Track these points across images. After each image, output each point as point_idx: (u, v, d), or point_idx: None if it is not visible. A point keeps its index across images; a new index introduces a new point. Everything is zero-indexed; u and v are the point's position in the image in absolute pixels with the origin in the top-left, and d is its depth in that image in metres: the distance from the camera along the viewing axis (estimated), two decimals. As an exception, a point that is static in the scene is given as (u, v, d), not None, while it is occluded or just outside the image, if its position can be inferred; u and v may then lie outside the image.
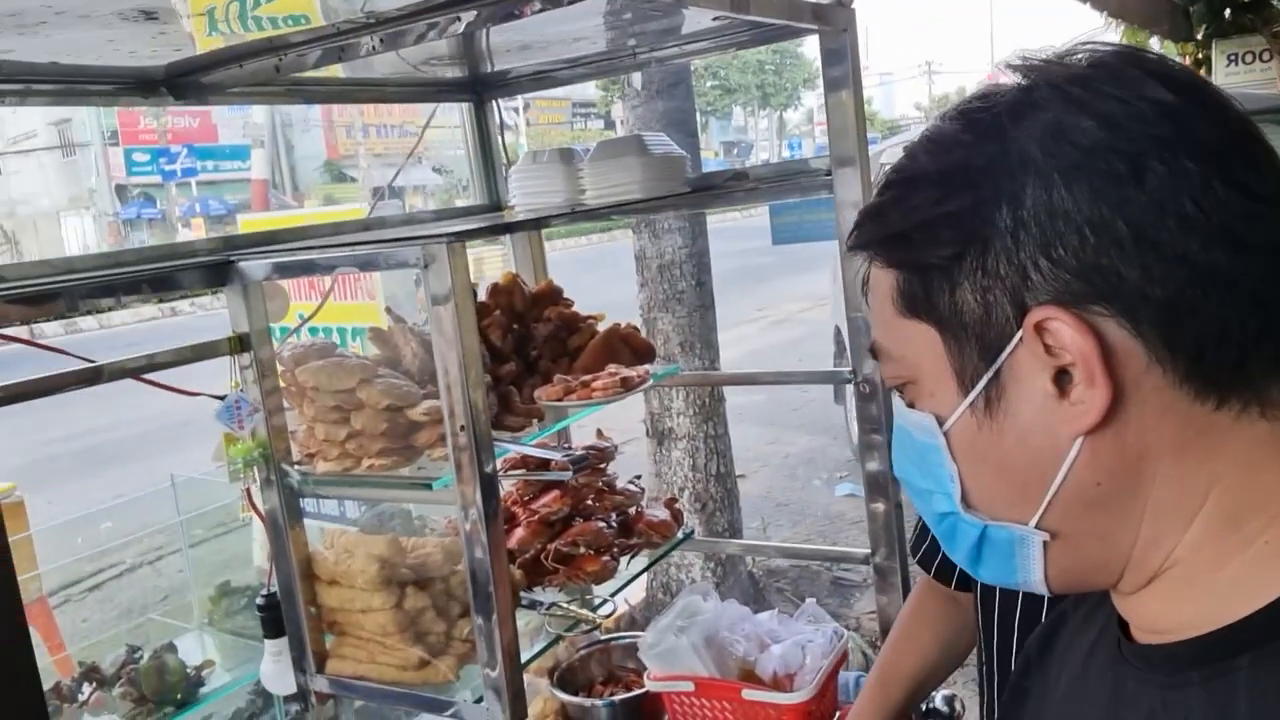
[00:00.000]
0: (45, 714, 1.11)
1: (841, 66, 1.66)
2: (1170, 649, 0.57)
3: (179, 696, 1.76)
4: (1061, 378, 0.54)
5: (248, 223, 3.77)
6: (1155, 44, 10.73)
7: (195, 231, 20.52)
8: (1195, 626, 0.55)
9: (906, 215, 0.58)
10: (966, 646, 1.33)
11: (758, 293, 13.13)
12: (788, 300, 12.58)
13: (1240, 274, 0.52)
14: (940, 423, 0.60)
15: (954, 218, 0.56)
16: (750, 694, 1.65)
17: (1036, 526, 0.58)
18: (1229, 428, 0.54)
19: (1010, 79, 0.58)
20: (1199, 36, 8.98)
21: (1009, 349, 0.55)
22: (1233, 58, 8.51)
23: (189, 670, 2.12)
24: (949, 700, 1.76)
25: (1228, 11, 8.75)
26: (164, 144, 24.09)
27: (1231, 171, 0.52)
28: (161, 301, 17.30)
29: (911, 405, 0.62)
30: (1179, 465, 0.55)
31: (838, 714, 1.78)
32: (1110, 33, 10.33)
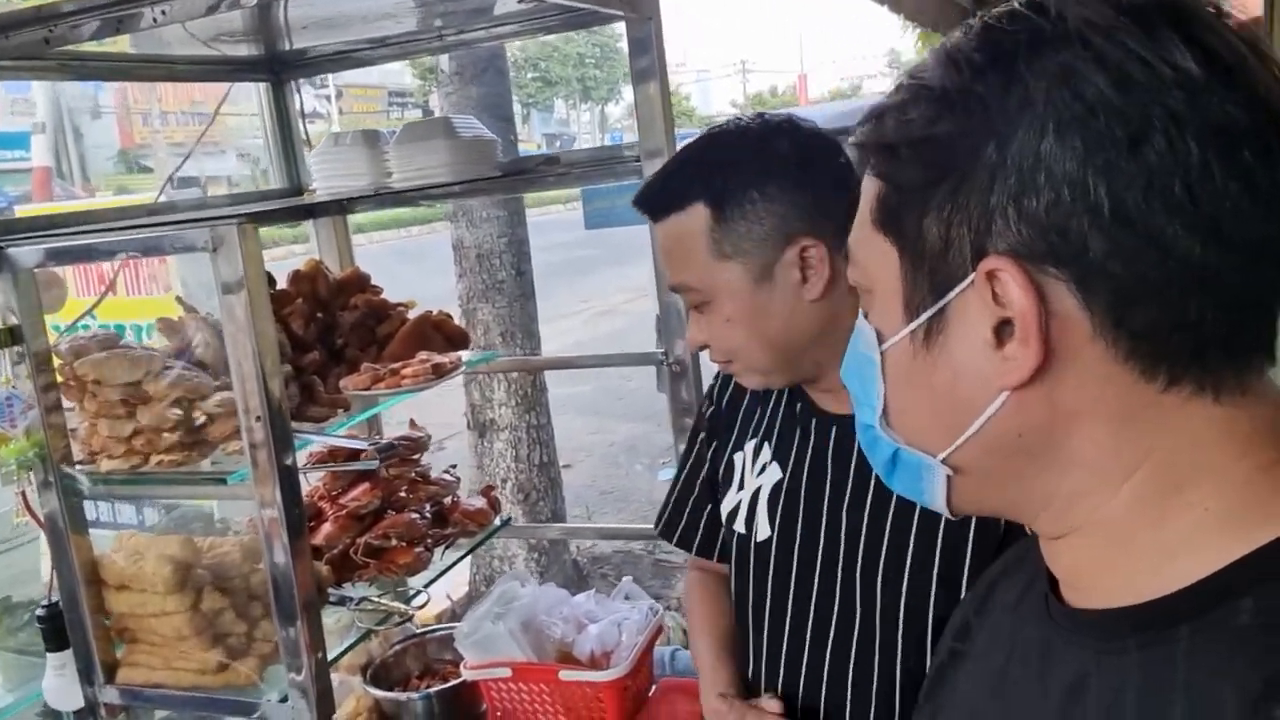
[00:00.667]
0: None
1: (648, 56, 1.68)
2: (1108, 614, 0.56)
3: (-47, 721, 1.61)
4: (1002, 329, 0.53)
5: (27, 213, 3.48)
6: (948, 47, 11.45)
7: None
8: (1132, 590, 0.55)
9: (900, 128, 0.56)
10: None
11: (581, 285, 13.19)
12: (611, 292, 12.69)
13: (1215, 267, 0.49)
14: (880, 340, 0.60)
15: (941, 142, 0.53)
16: (567, 674, 1.66)
17: (944, 461, 0.59)
18: (1175, 408, 0.52)
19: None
20: (986, 41, 9.65)
21: (959, 289, 0.54)
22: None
23: (-34, 692, 1.96)
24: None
25: (1011, 19, 9.43)
26: (-81, 130, 21.87)
27: (1238, 160, 0.48)
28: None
29: (866, 315, 0.62)
30: (1114, 431, 0.54)
31: (654, 687, 1.82)
32: (908, 34, 10.94)
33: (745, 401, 1.26)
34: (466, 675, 1.71)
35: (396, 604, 1.63)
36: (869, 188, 0.60)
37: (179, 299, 1.63)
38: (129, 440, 1.40)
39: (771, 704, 1.13)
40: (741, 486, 1.21)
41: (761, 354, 1.08)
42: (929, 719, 0.75)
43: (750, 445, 1.22)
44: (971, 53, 0.53)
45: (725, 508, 1.23)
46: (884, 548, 1.06)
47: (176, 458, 1.38)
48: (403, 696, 1.80)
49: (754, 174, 1.04)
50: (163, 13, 1.27)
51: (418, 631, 1.97)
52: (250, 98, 2.08)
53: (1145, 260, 0.49)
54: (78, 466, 1.45)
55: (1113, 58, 0.49)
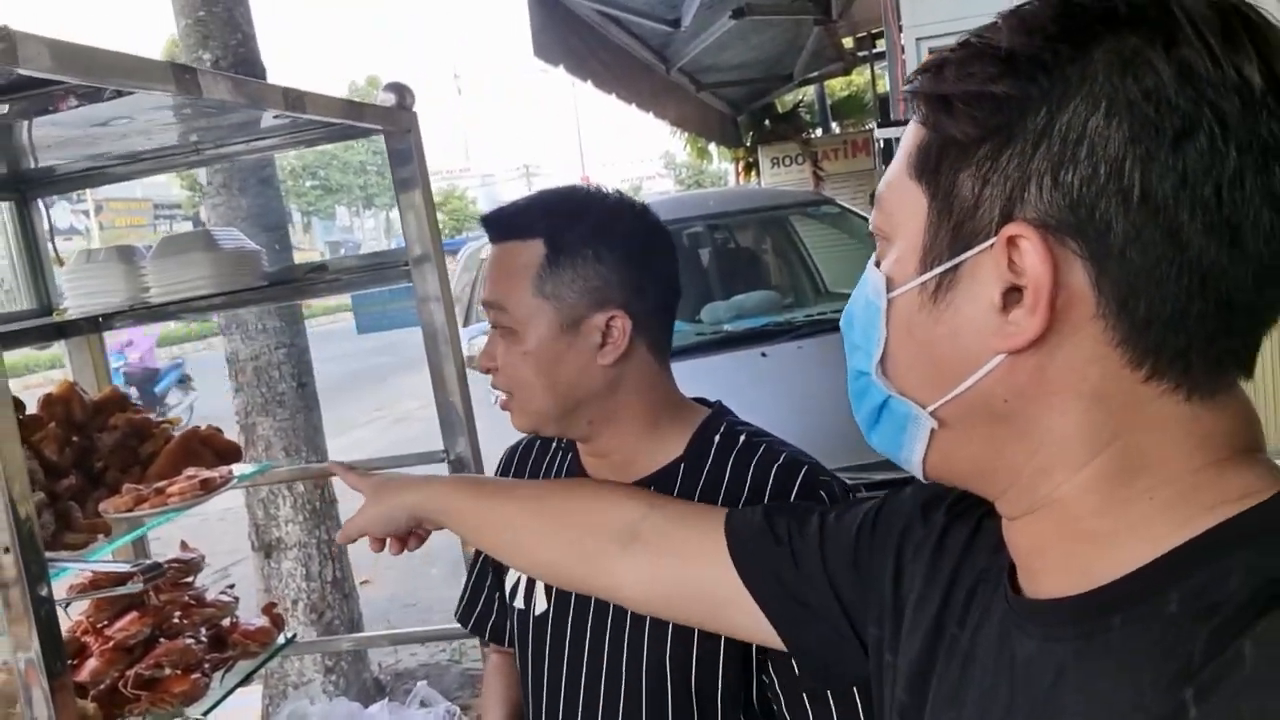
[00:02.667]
0: None
1: (409, 167, 1.74)
2: (1050, 604, 0.59)
3: None
4: (1011, 294, 0.55)
5: None
6: (713, 149, 12.20)
7: None
8: (1079, 578, 0.57)
9: (958, 82, 0.56)
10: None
11: (375, 393, 12.86)
12: (405, 398, 12.45)
13: (1223, 272, 0.51)
14: (889, 287, 0.61)
15: (996, 101, 0.54)
16: (363, 790, 1.62)
17: (932, 413, 0.60)
18: (1150, 399, 0.55)
19: None
20: (747, 143, 10.38)
21: (978, 248, 0.56)
22: (775, 160, 9.90)
23: None
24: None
25: (768, 122, 10.22)
26: None
27: (1271, 177, 0.51)
28: None
29: (877, 263, 0.63)
30: (1090, 412, 0.56)
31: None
32: (678, 137, 11.60)
33: (526, 478, 1.31)
34: (254, 805, 1.63)
35: (172, 737, 1.54)
36: (912, 135, 0.61)
37: (-89, 432, 1.52)
38: None
39: None
40: None
41: (542, 397, 1.13)
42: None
43: None
44: (1048, 21, 0.54)
45: (508, 584, 1.28)
46: (647, 624, 1.11)
47: (-90, 601, 1.27)
48: (184, 838, 1.69)
49: (596, 235, 1.12)
50: (-114, 134, 1.22)
51: (200, 765, 1.85)
52: None
53: (1161, 252, 0.51)
54: None
55: (1185, 50, 0.50)
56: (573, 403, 1.14)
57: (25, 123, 1.44)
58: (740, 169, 10.64)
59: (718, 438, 1.16)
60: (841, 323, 0.68)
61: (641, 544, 0.96)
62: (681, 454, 1.16)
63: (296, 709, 1.73)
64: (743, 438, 1.16)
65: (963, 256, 0.57)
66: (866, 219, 5.44)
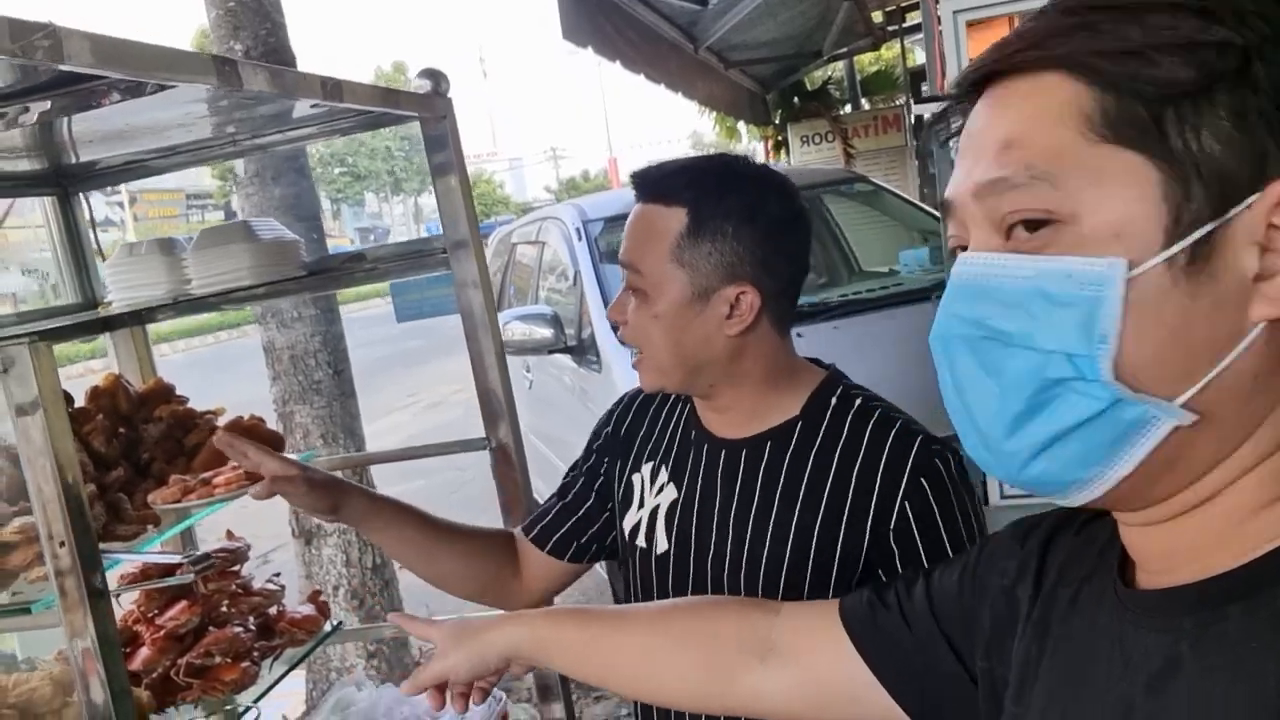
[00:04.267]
0: None
1: (445, 153, 1.74)
2: (1163, 594, 0.56)
3: None
4: (1267, 258, 0.51)
5: None
6: (742, 128, 12.12)
7: None
8: (1196, 569, 0.54)
9: (1152, 34, 0.52)
10: (487, 582, 1.46)
11: (410, 378, 12.96)
12: (440, 383, 12.53)
13: None
14: (1128, 269, 0.52)
15: (1214, 48, 0.50)
16: (412, 775, 1.63)
17: (1183, 405, 0.53)
18: None
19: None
20: (776, 121, 10.29)
21: (1240, 208, 0.51)
22: (805, 138, 9.81)
23: None
24: None
25: (797, 99, 10.11)
26: None
27: None
28: None
29: (1035, 251, 0.55)
30: None
31: None
32: (705, 117, 11.53)
33: (643, 426, 1.39)
34: (306, 790, 1.65)
35: (225, 724, 1.56)
36: (1061, 96, 0.54)
37: (-37, 426, 1.54)
38: (-84, 579, 1.31)
39: None
40: (641, 505, 1.34)
41: (667, 358, 1.20)
42: None
43: (647, 468, 1.35)
44: None
45: (627, 525, 1.35)
46: (763, 559, 1.19)
47: (-30, 593, 1.30)
48: (238, 823, 1.72)
49: (738, 212, 1.16)
50: (-66, 132, 1.23)
51: (252, 752, 1.88)
52: (35, 210, 2.00)
53: None
54: None
55: None
56: (695, 366, 1.20)
57: (66, 118, 1.45)
58: (769, 147, 10.55)
59: (834, 400, 1.22)
60: (994, 328, 0.56)
61: (777, 654, 0.93)
62: (798, 413, 1.22)
63: (344, 696, 1.75)
64: (858, 401, 1.22)
65: (1226, 216, 0.51)
66: (901, 196, 5.41)
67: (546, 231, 5.15)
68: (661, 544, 1.29)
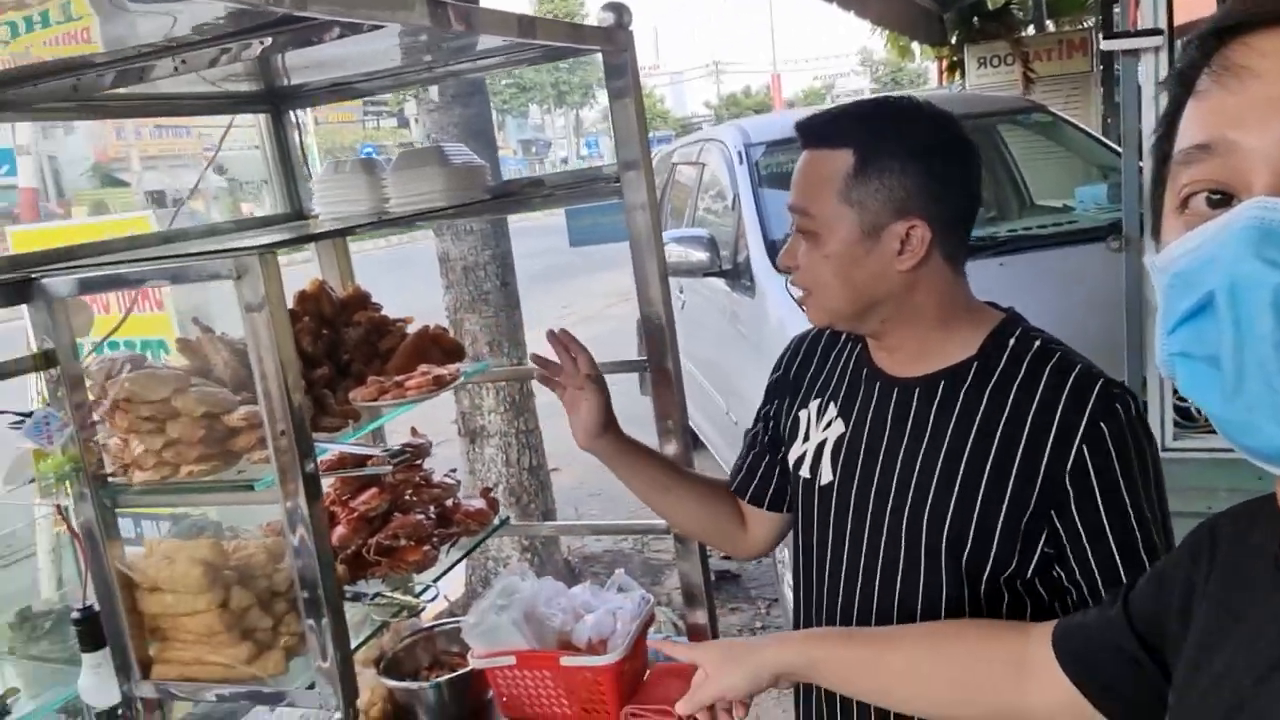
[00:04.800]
0: None
1: (623, 80, 1.81)
2: None
3: (-17, 726, 1.73)
4: None
5: (21, 235, 3.56)
6: (915, 48, 11.64)
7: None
8: None
9: None
10: (721, 531, 1.57)
11: (562, 291, 13.31)
12: (592, 297, 12.81)
13: None
14: None
15: None
16: (568, 660, 1.79)
17: None
18: None
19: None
20: (952, 41, 9.84)
21: None
22: (982, 61, 9.35)
23: (-8, 700, 2.06)
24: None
25: (976, 20, 9.62)
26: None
27: None
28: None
29: None
30: None
31: (648, 672, 1.95)
32: (876, 37, 11.13)
33: (812, 366, 1.43)
34: (474, 664, 1.83)
35: (409, 598, 1.75)
36: None
37: (195, 320, 1.75)
38: (159, 453, 1.52)
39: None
40: (807, 438, 1.38)
41: (839, 296, 1.23)
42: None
43: (815, 403, 1.39)
44: None
45: (792, 456, 1.41)
46: (929, 497, 1.21)
47: (204, 468, 1.50)
48: (414, 686, 1.92)
49: (902, 148, 1.19)
50: (183, 61, 1.39)
51: (426, 625, 2.09)
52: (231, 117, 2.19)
53: None
54: (110, 479, 1.57)
55: None
56: (868, 302, 1.22)
57: (282, 53, 1.59)
58: (943, 69, 10.12)
59: (1012, 341, 1.22)
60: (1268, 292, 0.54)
61: (1029, 670, 0.98)
62: (974, 354, 1.22)
63: (509, 584, 1.91)
64: (1037, 343, 1.21)
65: None
66: (1081, 129, 5.15)
67: (707, 153, 5.16)
68: (826, 475, 1.33)
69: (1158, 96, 2.89)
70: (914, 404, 1.25)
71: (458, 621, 2.02)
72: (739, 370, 4.09)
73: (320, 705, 1.45)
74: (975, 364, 1.22)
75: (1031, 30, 10.07)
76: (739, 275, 4.07)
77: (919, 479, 1.22)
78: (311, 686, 1.47)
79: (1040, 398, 1.15)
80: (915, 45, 11.38)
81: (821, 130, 1.23)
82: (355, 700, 1.48)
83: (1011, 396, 1.17)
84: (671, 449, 1.90)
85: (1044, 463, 1.14)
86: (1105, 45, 2.55)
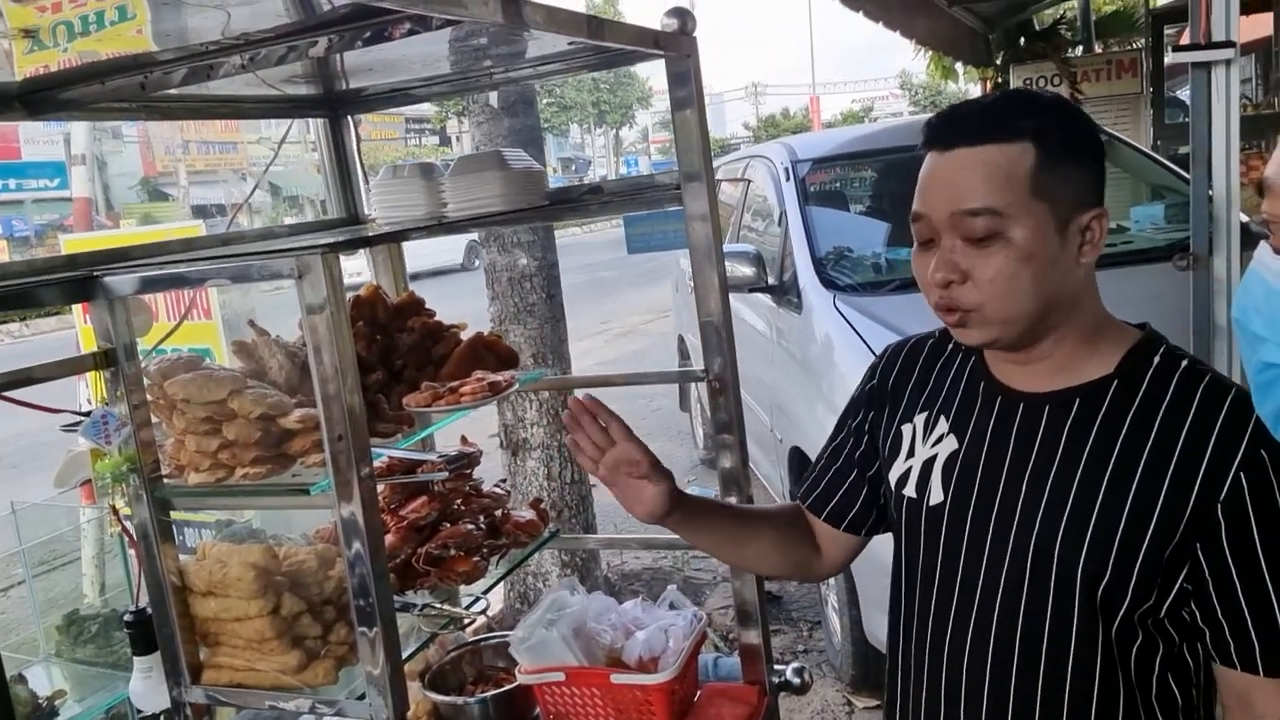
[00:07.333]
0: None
1: (686, 88, 1.78)
2: None
3: (32, 728, 1.71)
4: None
5: (76, 243, 3.60)
6: (959, 69, 11.55)
7: (-2, 254, 19.06)
8: None
9: None
10: (797, 563, 1.46)
11: (602, 306, 13.34)
12: (631, 313, 12.82)
13: None
14: None
15: None
16: (618, 678, 1.74)
17: None
18: None
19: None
20: (998, 62, 9.75)
21: None
22: (1028, 81, 9.24)
23: (40, 701, 2.06)
24: (799, 671, 1.91)
25: (1022, 39, 9.53)
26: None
27: None
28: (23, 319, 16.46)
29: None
30: None
31: (699, 692, 1.90)
32: (920, 58, 11.06)
33: (913, 376, 1.33)
34: (522, 679, 1.79)
35: (458, 610, 1.72)
36: None
37: (251, 323, 1.74)
38: (215, 454, 1.50)
39: None
40: (911, 455, 1.28)
41: (1026, 302, 1.10)
42: None
43: (921, 418, 1.29)
44: None
45: (894, 475, 1.30)
46: (1063, 524, 1.11)
47: (260, 470, 1.48)
48: (460, 701, 1.89)
49: (1082, 135, 1.13)
50: (250, 59, 1.38)
51: (471, 639, 2.06)
52: (268, 128, 2.19)
53: None
54: (166, 480, 1.55)
55: None
56: (1051, 305, 1.12)
57: (343, 53, 1.58)
58: (988, 89, 10.02)
59: (1157, 359, 1.14)
60: (1235, 314, 0.60)
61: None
62: (1112, 371, 1.14)
63: (558, 598, 1.88)
64: (1184, 362, 1.13)
65: None
66: (1138, 148, 5.05)
67: (753, 169, 5.13)
68: (936, 495, 1.23)
69: (1229, 110, 2.82)
70: (1043, 423, 1.16)
71: (505, 636, 1.99)
72: (783, 387, 4.05)
73: (371, 716, 1.42)
74: (1115, 382, 1.14)
75: (1079, 51, 9.96)
76: (785, 291, 4.04)
77: (1049, 504, 1.13)
78: (362, 697, 1.44)
79: (1192, 420, 1.08)
80: (959, 66, 11.29)
81: (981, 125, 1.12)
82: (406, 712, 1.45)
83: (1158, 419, 1.09)
84: (727, 463, 1.86)
85: (1195, 491, 1.06)
86: (1173, 58, 2.49)
